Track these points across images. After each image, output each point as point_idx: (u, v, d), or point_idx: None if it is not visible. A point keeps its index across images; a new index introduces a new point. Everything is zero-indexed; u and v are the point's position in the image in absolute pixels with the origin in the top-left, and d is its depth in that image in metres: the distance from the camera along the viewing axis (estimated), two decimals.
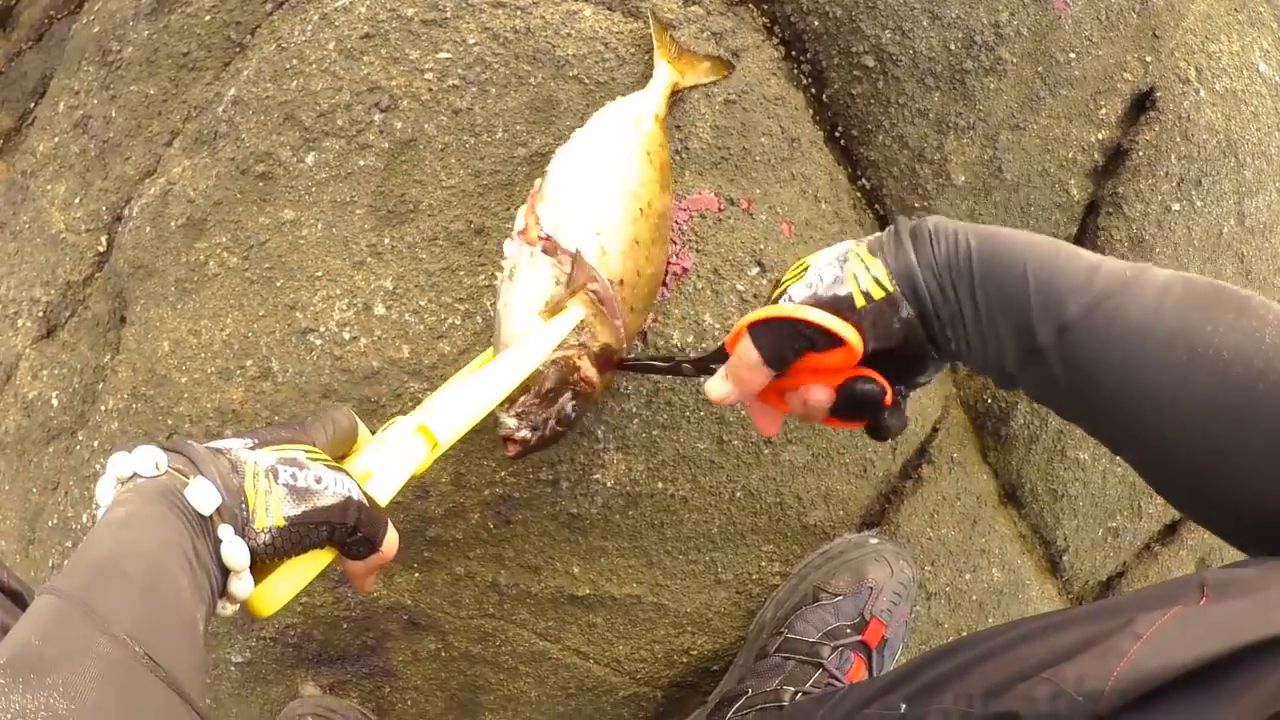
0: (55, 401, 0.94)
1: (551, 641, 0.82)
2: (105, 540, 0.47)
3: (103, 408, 0.88)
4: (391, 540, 0.59)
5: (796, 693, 0.78)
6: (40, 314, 0.96)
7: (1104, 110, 0.92)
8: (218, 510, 0.50)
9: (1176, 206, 0.94)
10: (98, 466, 0.88)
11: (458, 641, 0.81)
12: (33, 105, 1.05)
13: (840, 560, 0.83)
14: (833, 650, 0.81)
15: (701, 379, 0.69)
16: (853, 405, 0.58)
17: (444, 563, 0.79)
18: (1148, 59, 0.94)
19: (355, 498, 0.55)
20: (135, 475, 0.51)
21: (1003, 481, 0.92)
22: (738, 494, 0.80)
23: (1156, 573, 0.99)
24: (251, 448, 0.55)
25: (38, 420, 0.95)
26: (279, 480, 0.53)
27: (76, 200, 0.94)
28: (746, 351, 0.58)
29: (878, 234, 0.58)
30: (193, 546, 0.49)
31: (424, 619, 0.81)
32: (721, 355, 0.62)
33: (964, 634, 0.91)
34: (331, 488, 0.54)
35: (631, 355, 0.71)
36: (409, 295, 0.77)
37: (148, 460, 0.51)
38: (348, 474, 0.56)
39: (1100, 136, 0.92)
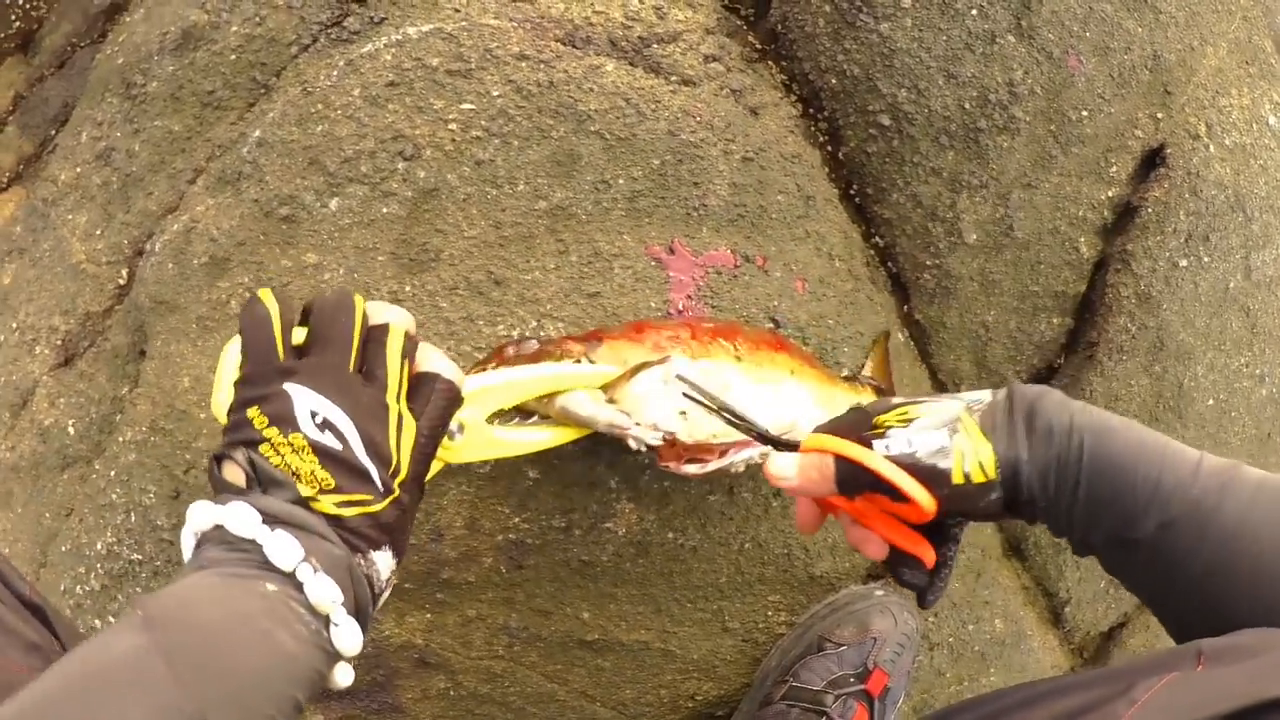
0: (71, 430, 0.95)
1: (559, 684, 0.83)
2: (245, 646, 0.46)
3: (120, 439, 0.89)
4: None
5: None
6: (59, 342, 0.97)
7: (1115, 168, 0.93)
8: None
9: (1184, 263, 0.96)
10: (113, 496, 0.89)
11: (467, 681, 0.83)
12: (54, 133, 1.06)
13: (845, 611, 0.84)
14: (836, 699, 0.82)
15: (760, 448, 0.69)
16: (899, 578, 0.62)
17: (456, 604, 0.80)
18: (1159, 115, 0.96)
19: None
20: (314, 612, 0.49)
21: (1007, 534, 0.93)
22: (746, 545, 0.82)
23: (1157, 624, 1.00)
24: (392, 573, 0.55)
25: (53, 447, 0.96)
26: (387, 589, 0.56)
27: (98, 231, 0.95)
28: (825, 466, 0.59)
29: (990, 400, 0.58)
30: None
31: (434, 658, 0.82)
32: (791, 446, 0.63)
33: (965, 684, 0.93)
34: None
35: (715, 401, 0.69)
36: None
37: (355, 639, 0.50)
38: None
39: (1110, 194, 0.93)
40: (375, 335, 0.57)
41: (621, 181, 0.80)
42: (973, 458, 0.55)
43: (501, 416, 0.67)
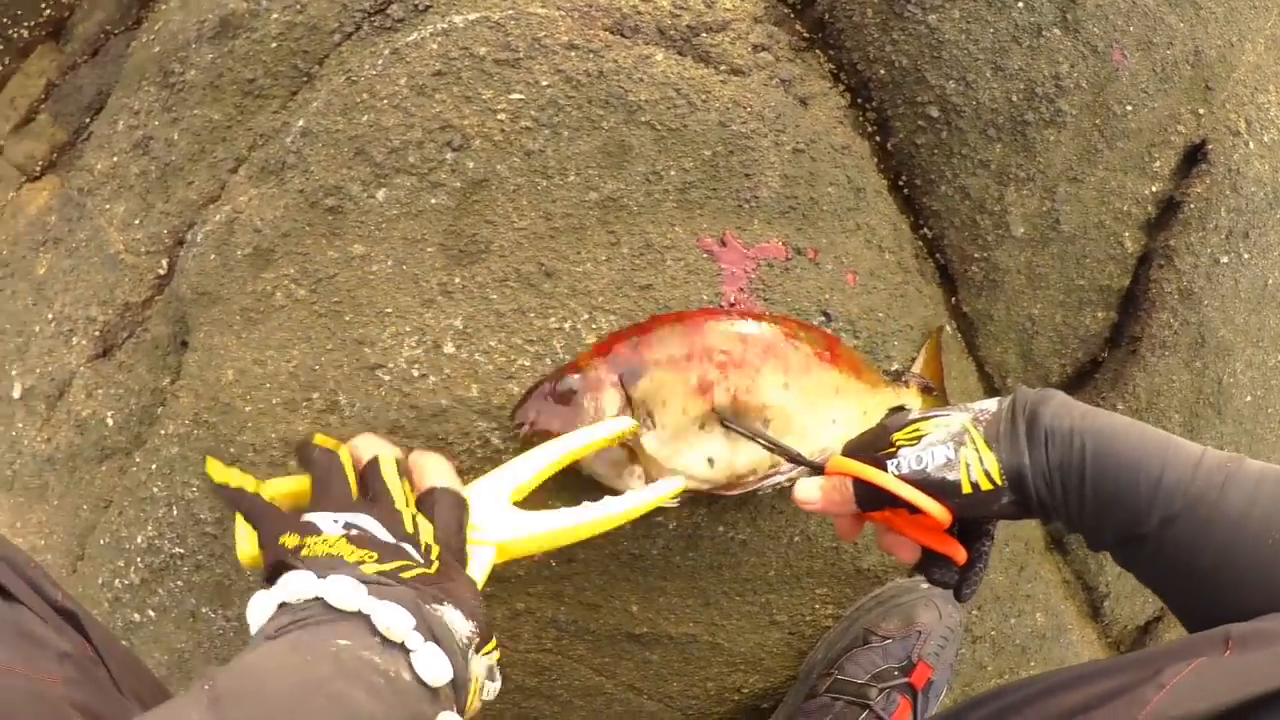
0: (110, 421, 0.94)
1: (607, 676, 0.83)
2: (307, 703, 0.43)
3: (162, 431, 0.89)
4: None
5: None
6: (96, 333, 0.96)
7: (1158, 163, 0.93)
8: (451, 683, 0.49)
9: (1225, 259, 0.96)
10: (155, 489, 0.89)
11: (514, 674, 0.83)
12: (88, 121, 1.05)
13: (891, 604, 0.84)
14: (880, 692, 0.82)
15: (790, 467, 0.74)
16: (930, 578, 0.65)
17: (505, 598, 0.80)
18: (1200, 111, 0.95)
19: None
20: (395, 646, 0.47)
21: (1049, 529, 0.94)
22: (796, 538, 0.82)
23: None
24: (477, 646, 0.54)
25: (91, 439, 0.96)
26: (492, 680, 0.56)
27: (136, 221, 0.94)
28: (845, 487, 0.63)
29: (995, 409, 0.60)
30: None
31: None
32: (817, 468, 0.68)
33: (1006, 677, 0.93)
34: (495, 692, 0.57)
35: (750, 428, 0.73)
36: (479, 335, 0.78)
37: (441, 668, 0.48)
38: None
39: (1154, 189, 0.93)
40: (369, 469, 0.62)
41: (673, 173, 0.79)
42: (978, 468, 0.58)
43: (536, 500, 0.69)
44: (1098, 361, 0.93)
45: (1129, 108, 0.91)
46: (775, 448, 0.72)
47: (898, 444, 0.62)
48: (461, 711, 0.51)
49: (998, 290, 0.88)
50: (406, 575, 0.52)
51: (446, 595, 0.53)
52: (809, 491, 0.66)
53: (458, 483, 0.64)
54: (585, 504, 0.69)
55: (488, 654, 0.55)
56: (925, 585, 0.85)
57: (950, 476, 0.59)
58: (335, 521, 0.55)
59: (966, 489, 0.58)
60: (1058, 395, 0.60)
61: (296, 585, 0.49)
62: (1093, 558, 0.94)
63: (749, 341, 0.73)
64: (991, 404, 0.61)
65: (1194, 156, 0.95)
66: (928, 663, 0.84)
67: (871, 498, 0.63)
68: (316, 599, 0.49)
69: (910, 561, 0.66)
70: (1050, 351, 0.91)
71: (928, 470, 0.60)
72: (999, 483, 0.58)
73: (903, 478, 0.60)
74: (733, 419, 0.73)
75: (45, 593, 0.60)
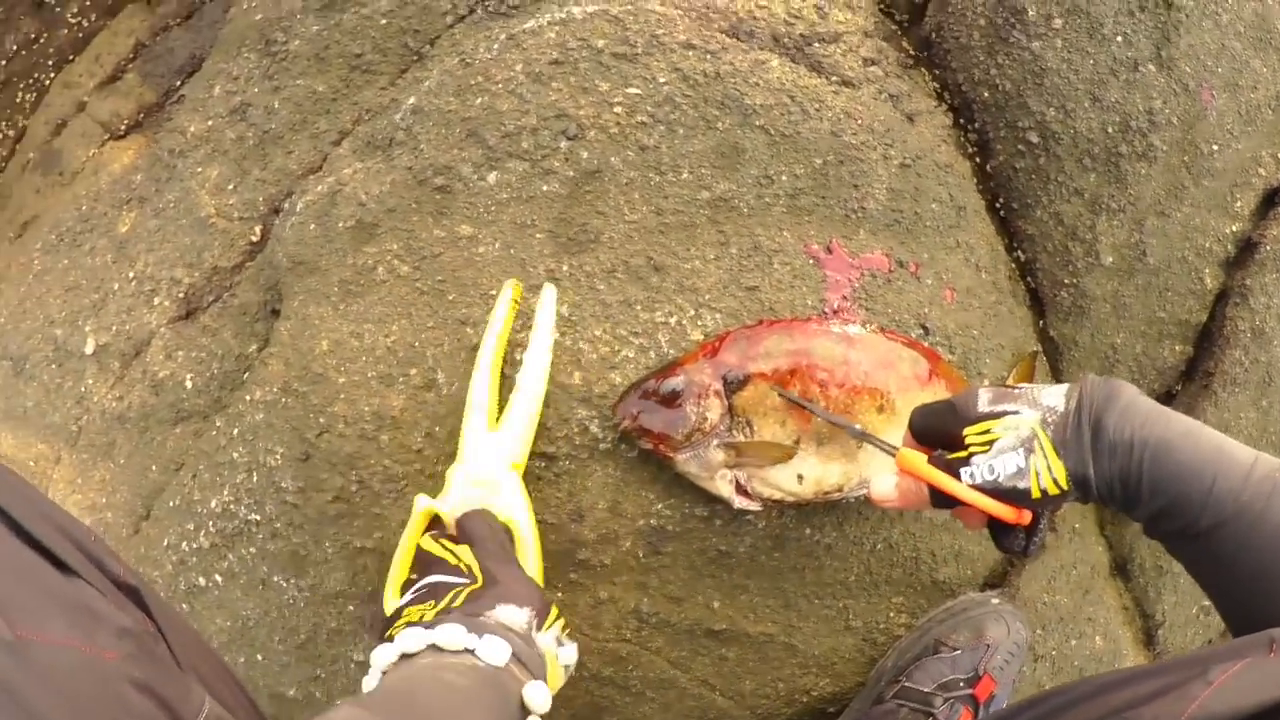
0: (189, 384, 0.94)
1: (682, 670, 0.84)
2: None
3: (247, 398, 0.89)
4: None
5: None
6: (180, 295, 0.96)
7: (1239, 203, 0.96)
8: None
9: None
10: (235, 454, 0.89)
11: (591, 662, 0.83)
12: (179, 83, 1.05)
13: (963, 616, 0.85)
14: (944, 701, 0.84)
15: (858, 441, 0.76)
16: (999, 546, 0.68)
17: (589, 586, 0.81)
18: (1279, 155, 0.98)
19: None
20: (467, 651, 0.61)
21: (1115, 554, 0.95)
22: (879, 546, 0.83)
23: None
24: (537, 625, 0.66)
25: (166, 400, 0.95)
26: (561, 662, 0.68)
27: (230, 186, 0.94)
28: (922, 490, 0.66)
29: (1062, 409, 0.62)
30: None
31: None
32: (887, 451, 0.70)
33: None
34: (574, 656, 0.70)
35: (835, 418, 0.76)
36: (584, 323, 0.79)
37: (500, 652, 0.61)
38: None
39: (1234, 228, 0.95)
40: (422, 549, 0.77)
41: (784, 178, 0.80)
42: (1046, 476, 0.62)
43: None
44: (1171, 394, 0.95)
45: (1215, 147, 0.93)
46: (849, 427, 0.74)
47: (970, 447, 0.64)
48: (546, 679, 0.64)
49: (1084, 317, 0.90)
50: (457, 603, 0.66)
51: (498, 598, 0.66)
52: (887, 490, 0.69)
53: (475, 504, 0.75)
54: (521, 378, 0.76)
55: (549, 627, 0.67)
56: (996, 600, 0.87)
57: (1021, 485, 0.62)
58: (412, 593, 0.70)
59: (1036, 494, 0.62)
60: (1122, 397, 0.62)
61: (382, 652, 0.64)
62: (1152, 585, 0.96)
63: (852, 364, 0.75)
64: (1059, 398, 0.64)
65: (1272, 199, 0.98)
66: (993, 676, 0.85)
67: (945, 501, 0.66)
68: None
69: (978, 528, 0.69)
70: (1129, 381, 0.93)
71: (999, 480, 0.63)
72: (1065, 488, 0.62)
73: (976, 487, 0.64)
74: (817, 408, 0.74)
75: (107, 567, 0.59)
